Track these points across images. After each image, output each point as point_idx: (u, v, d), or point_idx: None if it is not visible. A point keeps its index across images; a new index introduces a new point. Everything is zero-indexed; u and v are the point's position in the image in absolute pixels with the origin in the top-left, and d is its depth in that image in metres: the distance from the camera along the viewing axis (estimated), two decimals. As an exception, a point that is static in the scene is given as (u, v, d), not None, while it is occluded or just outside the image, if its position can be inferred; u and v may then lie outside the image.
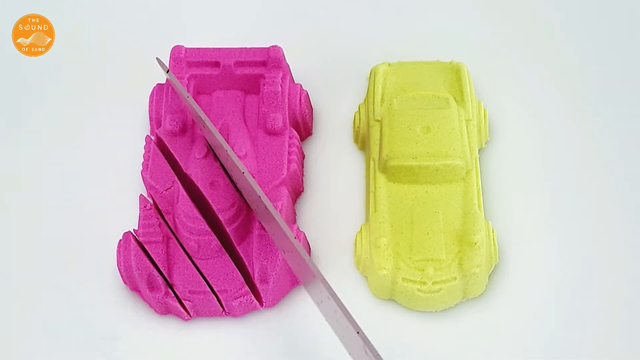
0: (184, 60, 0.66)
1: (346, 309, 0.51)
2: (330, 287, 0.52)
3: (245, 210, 0.60)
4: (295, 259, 0.56)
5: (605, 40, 0.72)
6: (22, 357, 0.59)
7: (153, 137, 0.65)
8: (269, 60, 0.65)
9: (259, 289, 0.59)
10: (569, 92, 0.69)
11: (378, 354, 0.49)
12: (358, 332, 0.50)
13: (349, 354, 0.53)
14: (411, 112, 0.63)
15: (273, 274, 0.58)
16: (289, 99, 0.65)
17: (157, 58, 0.65)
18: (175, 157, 0.62)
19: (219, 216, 0.59)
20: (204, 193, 0.59)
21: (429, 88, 0.66)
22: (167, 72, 0.64)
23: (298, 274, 0.58)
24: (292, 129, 0.65)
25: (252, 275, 0.58)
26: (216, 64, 0.66)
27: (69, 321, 0.60)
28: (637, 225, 0.63)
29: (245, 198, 0.60)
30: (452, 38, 0.72)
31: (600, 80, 0.70)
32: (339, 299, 0.52)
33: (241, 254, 0.59)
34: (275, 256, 0.58)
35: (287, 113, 0.64)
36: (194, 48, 0.66)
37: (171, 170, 0.62)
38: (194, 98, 0.65)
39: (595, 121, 0.68)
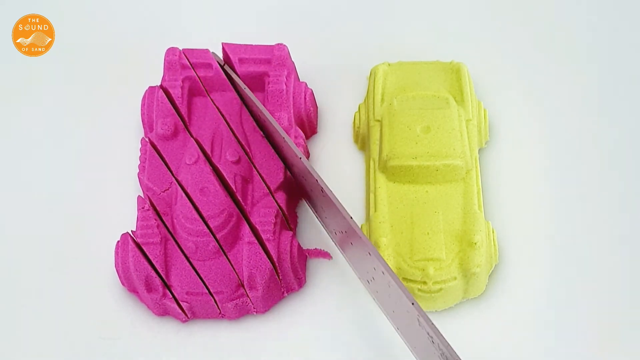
0: (178, 62, 0.65)
1: (400, 282, 0.52)
2: (385, 263, 0.53)
3: (235, 216, 0.59)
4: (349, 239, 0.56)
5: (605, 40, 0.72)
6: (21, 357, 0.59)
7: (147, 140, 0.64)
8: (274, 58, 0.65)
9: (250, 296, 0.58)
10: (569, 92, 0.69)
11: (432, 324, 0.50)
12: (413, 303, 0.51)
13: (397, 329, 0.54)
14: (411, 112, 0.63)
15: (262, 282, 0.58)
16: (294, 97, 0.65)
17: (212, 52, 0.65)
18: (167, 162, 0.62)
19: (209, 223, 0.58)
20: (194, 199, 0.59)
21: (429, 88, 0.65)
22: (224, 65, 0.64)
23: (349, 254, 0.58)
24: (297, 127, 0.64)
25: (242, 281, 0.58)
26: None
27: (68, 322, 0.60)
28: (637, 224, 0.63)
29: (299, 179, 0.60)
30: (452, 38, 0.72)
31: (600, 80, 0.69)
32: (394, 273, 0.53)
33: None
34: (264, 265, 0.58)
35: (292, 111, 0.64)
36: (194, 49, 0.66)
37: (168, 172, 0.61)
38: (195, 97, 0.65)
39: (596, 121, 0.67)
